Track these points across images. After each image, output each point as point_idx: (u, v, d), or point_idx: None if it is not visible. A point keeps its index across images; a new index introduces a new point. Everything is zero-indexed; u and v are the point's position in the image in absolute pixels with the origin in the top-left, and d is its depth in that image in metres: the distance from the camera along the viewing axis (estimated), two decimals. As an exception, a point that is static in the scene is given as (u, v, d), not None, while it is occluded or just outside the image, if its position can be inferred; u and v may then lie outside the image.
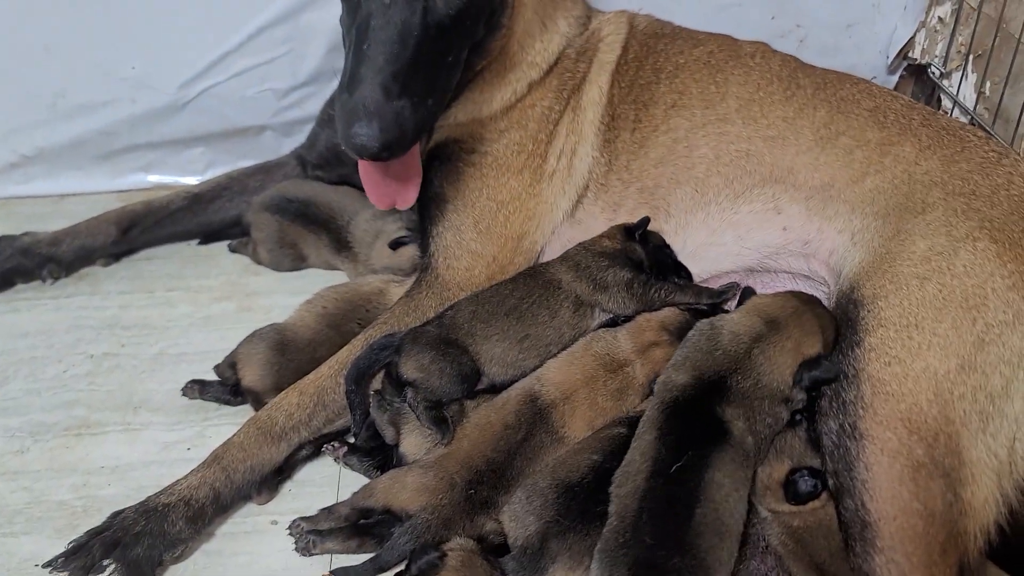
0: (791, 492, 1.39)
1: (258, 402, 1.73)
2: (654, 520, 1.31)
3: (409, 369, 1.58)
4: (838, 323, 1.52)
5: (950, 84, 2.40)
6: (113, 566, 1.43)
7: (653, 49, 1.95)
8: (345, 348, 1.71)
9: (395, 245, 1.95)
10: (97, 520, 1.53)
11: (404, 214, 2.01)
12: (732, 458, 1.38)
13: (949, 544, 1.26)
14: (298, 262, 2.19)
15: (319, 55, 2.34)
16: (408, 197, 1.71)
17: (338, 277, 2.12)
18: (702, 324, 1.55)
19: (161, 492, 1.55)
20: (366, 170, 1.68)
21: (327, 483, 1.66)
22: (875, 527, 1.27)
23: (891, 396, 1.34)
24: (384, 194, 1.69)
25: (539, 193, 1.84)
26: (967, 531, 1.28)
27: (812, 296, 1.62)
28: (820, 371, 1.44)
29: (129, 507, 1.53)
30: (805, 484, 1.39)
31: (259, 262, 2.21)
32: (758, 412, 1.41)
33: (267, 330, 1.81)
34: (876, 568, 1.24)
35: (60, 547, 1.48)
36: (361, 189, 1.97)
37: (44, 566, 1.45)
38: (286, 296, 2.07)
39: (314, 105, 2.38)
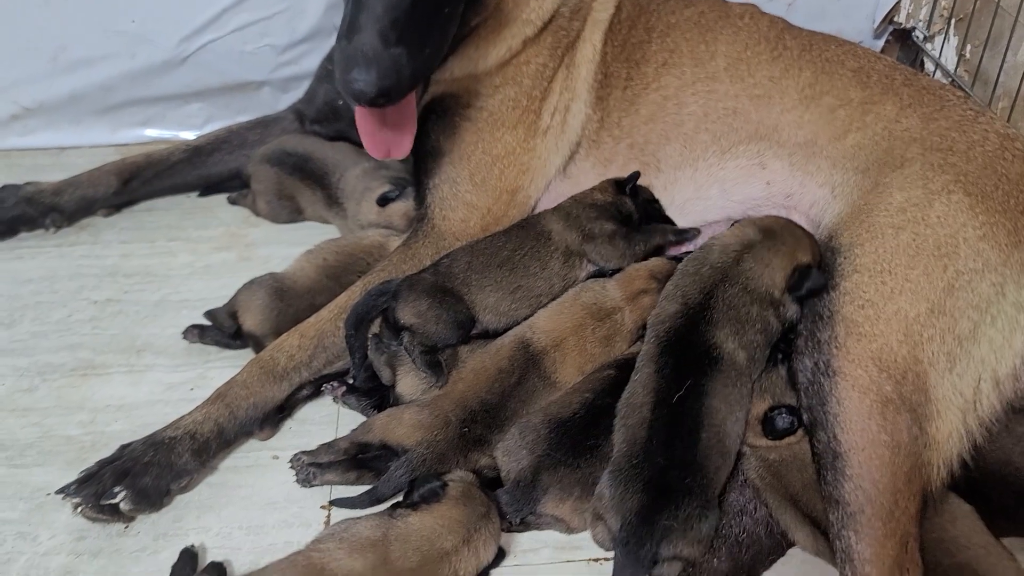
0: (769, 428, 1.48)
1: (259, 346, 1.79)
2: (664, 445, 1.41)
3: (406, 314, 1.64)
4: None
5: (933, 48, 2.46)
6: (123, 493, 1.50)
7: (645, 9, 1.99)
8: (344, 294, 1.77)
9: (382, 201, 1.99)
10: (105, 454, 1.59)
11: (391, 173, 2.07)
12: (725, 383, 1.47)
13: (914, 474, 1.34)
14: (295, 214, 2.24)
15: (318, 11, 2.38)
16: (403, 146, 1.74)
17: (334, 231, 2.18)
18: (694, 252, 1.64)
19: (167, 427, 1.61)
20: (362, 118, 1.71)
21: (326, 422, 1.73)
22: (845, 457, 1.34)
23: (863, 336, 1.42)
24: (380, 143, 1.73)
25: (533, 148, 1.90)
26: (931, 462, 1.37)
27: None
28: (812, 280, 1.53)
29: (137, 440, 1.59)
30: (782, 421, 1.47)
31: (258, 214, 2.26)
32: (746, 321, 1.51)
33: (264, 278, 1.87)
34: (845, 494, 1.32)
35: (70, 478, 1.54)
36: (358, 144, 2.04)
37: (57, 492, 1.51)
38: (284, 247, 2.13)
39: (312, 61, 2.41)
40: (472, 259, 1.70)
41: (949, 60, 2.39)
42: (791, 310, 1.57)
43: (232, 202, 2.31)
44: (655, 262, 1.73)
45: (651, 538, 1.34)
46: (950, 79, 2.34)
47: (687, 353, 1.51)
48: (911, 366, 1.40)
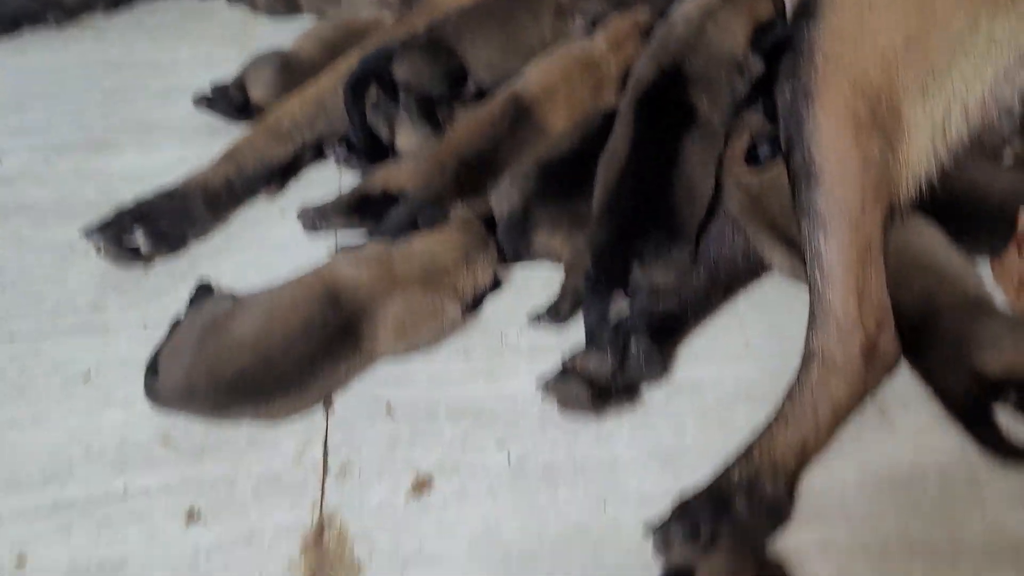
0: (752, 157, 1.55)
1: (265, 118, 1.86)
2: (638, 188, 1.48)
3: (401, 71, 1.70)
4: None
5: None
6: (142, 232, 1.60)
7: None
8: (342, 59, 1.83)
9: None
10: (123, 212, 1.69)
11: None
12: (701, 136, 1.54)
13: (882, 187, 1.42)
14: (293, 10, 2.27)
15: None
16: None
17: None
18: (661, 23, 1.68)
19: (181, 183, 1.70)
20: None
21: (329, 184, 1.81)
22: (818, 171, 1.41)
23: (841, 64, 1.47)
24: None
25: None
26: (899, 179, 1.44)
27: None
28: (773, 33, 1.58)
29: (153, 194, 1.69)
30: (764, 150, 1.55)
31: (256, 8, 2.29)
32: (716, 85, 1.56)
33: (270, 54, 1.94)
34: (817, 202, 1.40)
35: (91, 234, 1.64)
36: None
37: (80, 232, 1.61)
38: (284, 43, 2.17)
39: None
40: (465, 16, 1.75)
41: None
42: (756, 67, 1.62)
43: (230, 1, 2.34)
44: (639, 13, 1.77)
45: (626, 256, 1.43)
46: None
47: (664, 109, 1.56)
48: (885, 91, 1.45)
